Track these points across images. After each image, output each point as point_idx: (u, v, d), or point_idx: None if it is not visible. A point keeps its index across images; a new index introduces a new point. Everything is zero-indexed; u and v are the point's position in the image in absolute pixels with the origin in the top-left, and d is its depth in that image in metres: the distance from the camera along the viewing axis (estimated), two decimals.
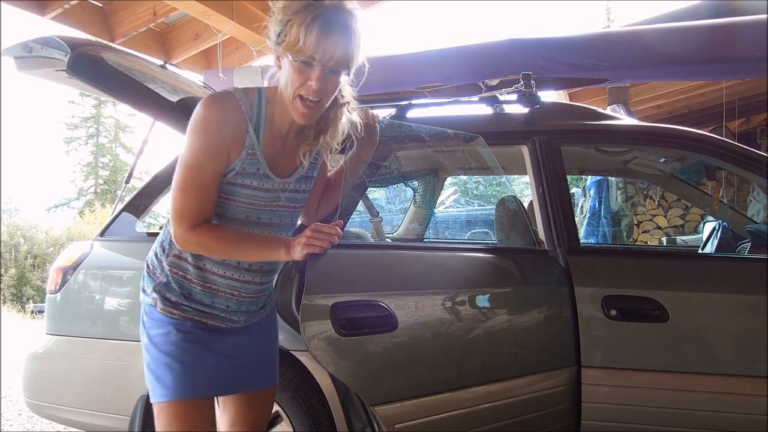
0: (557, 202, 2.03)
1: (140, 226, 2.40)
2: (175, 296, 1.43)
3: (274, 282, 1.63)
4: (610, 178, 6.35)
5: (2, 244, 10.52)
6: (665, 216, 8.11)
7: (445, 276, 1.88)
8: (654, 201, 8.13)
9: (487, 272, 1.95)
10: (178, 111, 1.83)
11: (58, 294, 2.30)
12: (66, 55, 1.60)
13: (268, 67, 1.30)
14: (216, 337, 1.47)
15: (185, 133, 1.33)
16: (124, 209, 2.41)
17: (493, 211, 2.38)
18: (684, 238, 6.20)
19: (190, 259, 1.43)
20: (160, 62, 2.04)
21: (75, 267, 2.30)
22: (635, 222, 7.77)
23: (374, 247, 2.24)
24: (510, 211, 2.26)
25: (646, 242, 7.81)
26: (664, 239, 6.95)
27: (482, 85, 2.95)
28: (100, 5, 4.28)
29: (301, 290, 1.67)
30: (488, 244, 3.43)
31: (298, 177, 1.47)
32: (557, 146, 2.10)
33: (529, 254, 2.07)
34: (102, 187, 26.05)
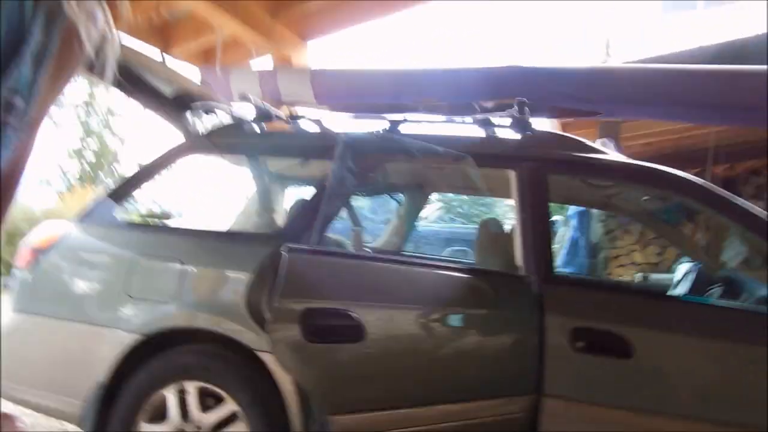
0: (538, 229, 2.04)
1: (120, 214, 2.38)
2: None
3: None
4: (592, 210, 6.41)
5: None
6: (642, 252, 8.20)
7: (418, 291, 1.88)
8: (633, 236, 8.21)
9: (461, 292, 1.96)
10: (173, 103, 1.82)
11: (28, 272, 2.26)
12: None
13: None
14: None
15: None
16: (106, 195, 2.37)
17: (473, 230, 2.39)
18: (657, 276, 6.28)
19: None
20: (159, 54, 2.04)
21: (48, 247, 2.26)
22: (613, 255, 7.85)
23: (351, 257, 2.23)
24: (490, 233, 2.28)
25: (621, 276, 7.88)
26: (638, 275, 7.03)
27: (477, 107, 2.97)
28: None
29: (274, 292, 1.66)
30: (465, 264, 3.44)
31: None
32: (544, 174, 2.12)
33: (505, 278, 2.08)
34: (85, 169, 25.66)
